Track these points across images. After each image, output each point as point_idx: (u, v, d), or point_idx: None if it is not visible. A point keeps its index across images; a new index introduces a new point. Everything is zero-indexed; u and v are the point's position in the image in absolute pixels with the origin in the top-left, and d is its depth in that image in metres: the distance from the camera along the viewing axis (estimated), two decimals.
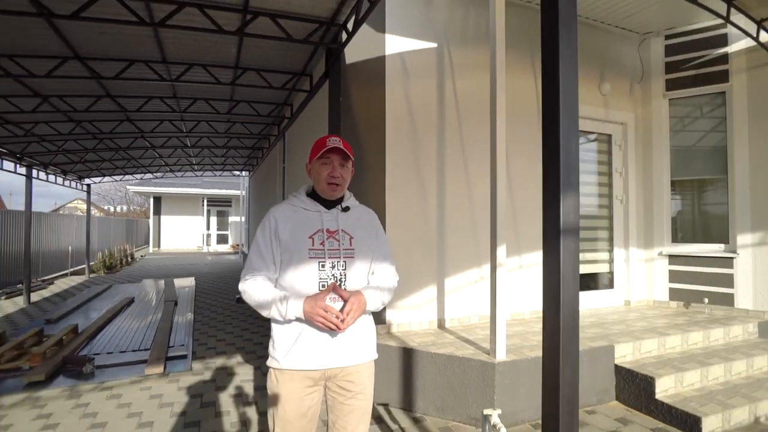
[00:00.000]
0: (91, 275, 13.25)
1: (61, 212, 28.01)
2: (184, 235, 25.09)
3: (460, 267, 4.38)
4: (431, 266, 4.28)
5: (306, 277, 1.66)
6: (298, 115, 6.10)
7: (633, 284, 5.38)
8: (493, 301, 3.34)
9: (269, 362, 1.73)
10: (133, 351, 5.18)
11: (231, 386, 4.13)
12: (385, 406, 3.67)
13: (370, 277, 1.81)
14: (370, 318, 1.81)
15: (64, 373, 4.51)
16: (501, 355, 3.30)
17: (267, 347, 4.83)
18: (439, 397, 3.46)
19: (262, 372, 4.48)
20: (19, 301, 8.89)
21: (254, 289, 1.63)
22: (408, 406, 3.59)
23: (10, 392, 4.04)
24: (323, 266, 1.67)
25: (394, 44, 4.13)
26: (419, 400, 3.54)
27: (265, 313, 1.64)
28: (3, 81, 4.73)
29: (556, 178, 1.56)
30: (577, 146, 1.63)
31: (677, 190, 5.46)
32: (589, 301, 5.16)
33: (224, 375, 4.43)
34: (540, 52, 1.71)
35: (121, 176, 12.96)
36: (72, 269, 13.85)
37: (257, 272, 1.68)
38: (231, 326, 6.48)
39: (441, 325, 4.29)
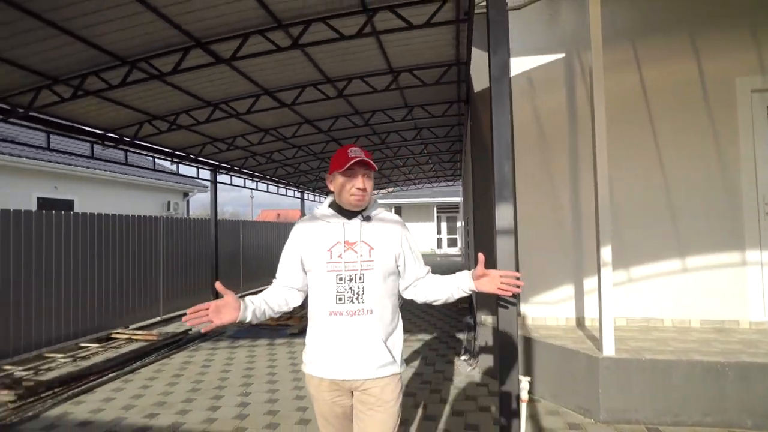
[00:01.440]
0: None
1: None
2: (420, 239, 28.77)
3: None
4: (567, 267, 4.47)
5: (324, 290, 1.68)
6: (466, 134, 7.00)
7: None
8: (599, 298, 3.48)
9: (302, 366, 1.81)
10: None
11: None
12: None
13: (416, 288, 1.82)
14: (397, 332, 1.76)
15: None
16: (608, 351, 3.40)
17: (452, 334, 6.07)
18: (553, 384, 3.78)
19: (430, 351, 5.60)
20: None
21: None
22: (530, 388, 4.01)
23: (281, 337, 6.45)
24: (340, 279, 1.66)
25: (518, 65, 4.59)
26: (538, 384, 3.93)
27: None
28: (277, 143, 7.47)
29: (494, 193, 2.07)
30: (509, 168, 2.07)
31: None
32: None
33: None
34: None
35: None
36: None
37: (277, 281, 1.81)
38: (430, 315, 7.85)
39: (579, 323, 4.42)
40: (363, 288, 1.66)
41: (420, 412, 3.70)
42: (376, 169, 1.74)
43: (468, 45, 4.10)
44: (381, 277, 1.69)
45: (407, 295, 1.86)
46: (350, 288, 1.66)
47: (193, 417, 3.70)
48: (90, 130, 5.39)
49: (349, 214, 1.74)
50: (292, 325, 7.04)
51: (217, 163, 8.19)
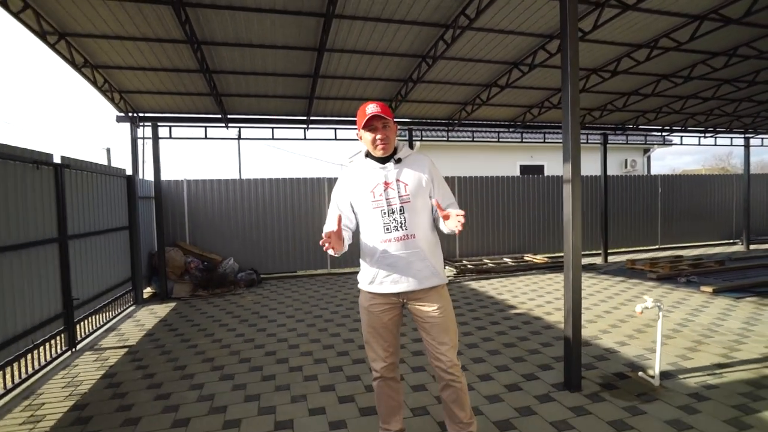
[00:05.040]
0: None
1: None
2: None
3: None
4: None
5: (373, 224, 2.00)
6: None
7: None
8: None
9: (359, 285, 2.16)
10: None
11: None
12: None
13: (438, 221, 2.03)
14: (438, 250, 2.10)
15: (670, 278, 7.07)
16: None
17: None
18: None
19: None
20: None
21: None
22: None
23: (638, 278, 7.21)
24: (384, 213, 1.97)
25: None
26: None
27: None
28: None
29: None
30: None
31: None
32: None
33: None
34: None
35: None
36: None
37: (331, 224, 2.02)
38: None
39: None
40: (405, 218, 1.97)
41: None
42: (392, 116, 2.01)
43: None
44: (418, 207, 2.01)
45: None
46: (394, 219, 1.97)
47: (536, 303, 6.07)
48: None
49: (382, 160, 2.04)
50: (662, 270, 7.42)
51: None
